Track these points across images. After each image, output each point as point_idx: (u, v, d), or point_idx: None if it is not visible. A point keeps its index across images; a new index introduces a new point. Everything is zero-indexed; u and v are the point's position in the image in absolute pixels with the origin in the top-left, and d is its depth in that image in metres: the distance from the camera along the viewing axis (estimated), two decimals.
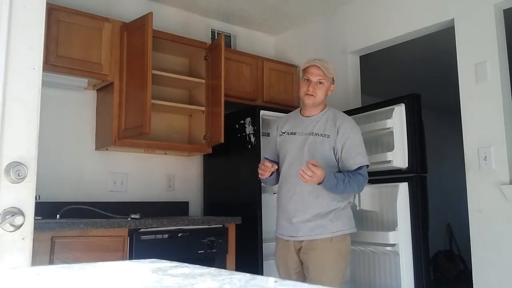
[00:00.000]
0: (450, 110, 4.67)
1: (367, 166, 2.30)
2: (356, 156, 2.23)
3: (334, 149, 2.24)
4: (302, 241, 2.23)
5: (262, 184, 2.49)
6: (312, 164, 2.04)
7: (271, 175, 2.31)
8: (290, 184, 2.27)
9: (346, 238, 2.26)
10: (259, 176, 2.32)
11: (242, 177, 3.21)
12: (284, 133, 2.38)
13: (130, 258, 2.46)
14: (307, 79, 2.27)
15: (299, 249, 2.25)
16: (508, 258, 2.51)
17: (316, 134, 2.26)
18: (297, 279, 2.26)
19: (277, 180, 2.42)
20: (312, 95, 2.26)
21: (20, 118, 1.26)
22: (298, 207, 2.23)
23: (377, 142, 3.03)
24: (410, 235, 2.77)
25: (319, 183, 2.11)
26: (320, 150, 2.23)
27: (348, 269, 2.34)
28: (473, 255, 2.66)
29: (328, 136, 2.24)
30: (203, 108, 3.30)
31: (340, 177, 2.15)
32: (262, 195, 3.06)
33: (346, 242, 2.26)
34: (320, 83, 2.26)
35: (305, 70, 2.29)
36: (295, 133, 2.32)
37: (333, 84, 2.34)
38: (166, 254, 2.45)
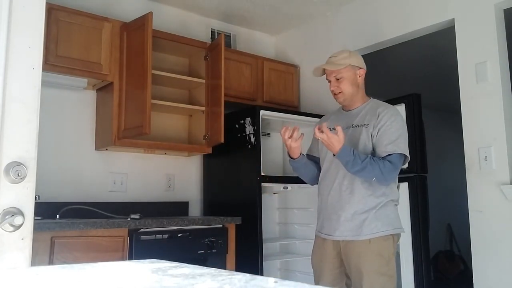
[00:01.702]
0: (451, 110, 4.67)
1: (406, 156, 2.09)
2: (388, 145, 2.05)
3: (371, 136, 2.11)
4: (340, 241, 2.12)
5: (297, 174, 2.35)
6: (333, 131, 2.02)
7: (304, 161, 2.24)
8: (328, 180, 2.20)
9: (387, 239, 2.07)
10: (289, 153, 2.21)
11: (242, 177, 3.21)
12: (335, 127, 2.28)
13: (130, 258, 2.46)
14: (328, 81, 2.23)
15: (339, 251, 2.13)
16: (508, 258, 2.51)
17: (356, 126, 2.16)
18: (333, 281, 2.15)
19: (316, 179, 2.32)
20: (339, 92, 2.19)
21: (20, 118, 1.26)
22: (335, 204, 2.14)
23: None
24: (410, 235, 2.77)
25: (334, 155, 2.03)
26: (359, 140, 2.12)
27: (395, 275, 2.13)
28: (473, 255, 2.66)
29: (367, 126, 2.13)
30: (203, 108, 3.30)
31: (360, 155, 2.00)
32: (262, 195, 3.06)
33: (387, 244, 2.07)
34: (339, 78, 2.18)
35: (324, 73, 2.25)
36: (344, 126, 2.18)
37: (360, 69, 2.21)
38: (166, 254, 2.45)
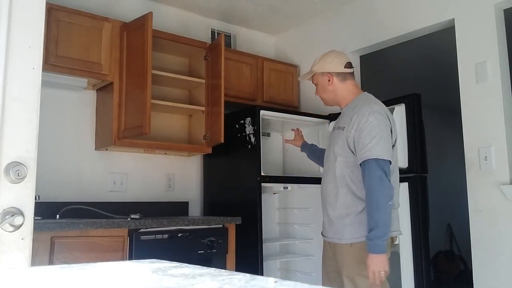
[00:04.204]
0: (450, 110, 4.67)
1: (386, 160, 1.93)
2: (361, 150, 1.96)
3: (347, 141, 2.02)
4: (330, 243, 2.13)
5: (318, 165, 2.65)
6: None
7: (304, 151, 2.59)
8: (322, 182, 2.21)
9: None
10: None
11: (242, 177, 3.21)
12: (333, 129, 2.28)
13: (130, 258, 2.46)
14: None
15: (333, 251, 2.13)
16: (508, 258, 2.51)
17: (338, 128, 2.13)
18: (334, 279, 2.13)
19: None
20: (321, 98, 2.26)
21: (20, 118, 1.26)
22: (324, 206, 2.16)
23: None
24: (410, 235, 2.77)
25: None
26: (337, 144, 2.08)
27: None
28: (473, 255, 2.66)
29: (343, 128, 2.07)
30: (203, 108, 3.30)
31: (367, 228, 1.92)
32: (262, 195, 3.06)
33: None
34: (316, 84, 2.24)
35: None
36: (334, 129, 2.24)
37: (327, 74, 2.15)
38: (166, 254, 2.45)
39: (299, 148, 2.67)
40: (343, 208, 2.05)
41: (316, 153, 2.56)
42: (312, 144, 2.64)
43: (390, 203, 1.93)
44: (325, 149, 2.35)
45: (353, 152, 2.02)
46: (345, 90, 2.17)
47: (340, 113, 2.27)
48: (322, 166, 2.33)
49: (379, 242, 1.87)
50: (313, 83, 2.26)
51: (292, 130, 2.74)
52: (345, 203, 2.04)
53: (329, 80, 2.16)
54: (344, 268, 2.03)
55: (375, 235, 1.88)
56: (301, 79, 2.36)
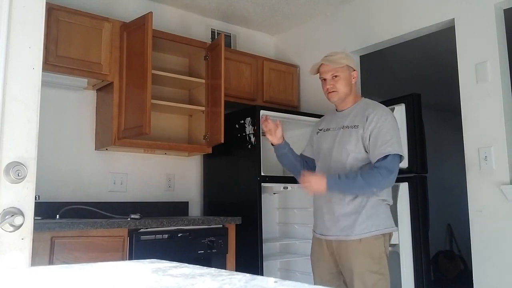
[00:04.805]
0: (450, 110, 4.67)
1: (401, 157, 2.08)
2: (382, 146, 2.04)
3: (362, 138, 2.09)
4: (333, 241, 2.14)
5: (286, 169, 2.50)
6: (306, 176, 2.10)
7: (284, 151, 2.35)
8: None
9: (378, 239, 2.07)
10: (269, 139, 2.34)
11: (242, 177, 3.21)
12: (320, 130, 2.33)
13: (130, 258, 2.46)
14: (323, 79, 2.24)
15: (332, 251, 2.16)
16: (508, 258, 2.51)
17: (346, 127, 2.17)
18: (331, 280, 2.16)
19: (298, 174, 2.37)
20: (333, 91, 2.20)
21: (19, 118, 1.26)
22: (326, 204, 2.17)
23: None
24: (410, 235, 2.77)
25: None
26: (349, 142, 2.12)
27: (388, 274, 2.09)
28: (473, 255, 2.66)
29: (357, 127, 2.12)
30: (203, 108, 3.30)
31: (345, 174, 2.05)
32: (262, 195, 3.06)
33: (378, 243, 2.07)
34: (335, 76, 2.19)
35: (318, 72, 2.26)
36: (329, 129, 2.27)
37: (354, 71, 2.25)
38: (166, 254, 2.45)
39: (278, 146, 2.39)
40: (351, 204, 2.09)
41: (298, 158, 2.42)
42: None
43: (371, 194, 2.07)
44: (307, 157, 2.41)
45: (365, 149, 2.11)
46: (355, 91, 2.30)
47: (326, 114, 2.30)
48: (297, 174, 2.31)
49: (335, 187, 2.05)
50: (331, 75, 2.20)
51: (266, 122, 2.32)
52: (353, 199, 2.09)
53: (353, 78, 2.26)
54: (353, 265, 2.05)
55: (338, 183, 2.03)
56: (331, 64, 2.19)
